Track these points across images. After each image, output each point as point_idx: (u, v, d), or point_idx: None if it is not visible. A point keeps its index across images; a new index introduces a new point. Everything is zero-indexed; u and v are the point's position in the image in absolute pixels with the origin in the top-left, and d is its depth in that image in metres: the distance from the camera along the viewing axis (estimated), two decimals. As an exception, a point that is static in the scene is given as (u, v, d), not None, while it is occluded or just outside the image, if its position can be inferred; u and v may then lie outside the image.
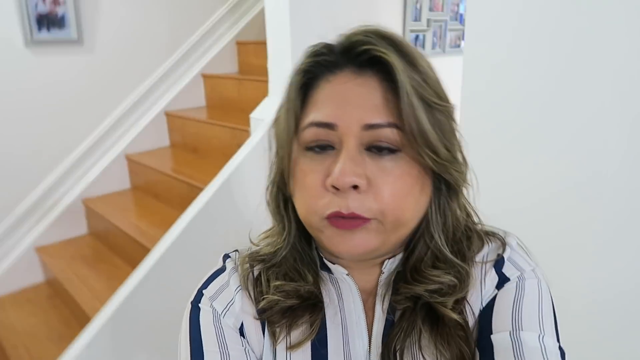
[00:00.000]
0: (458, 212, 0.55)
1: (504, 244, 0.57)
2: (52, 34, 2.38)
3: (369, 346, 0.55)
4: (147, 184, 2.61)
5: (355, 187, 0.46)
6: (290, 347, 0.54)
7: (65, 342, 1.71)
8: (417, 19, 2.67)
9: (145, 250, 1.98)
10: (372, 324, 0.56)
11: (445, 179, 0.51)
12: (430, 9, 2.74)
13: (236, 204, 1.86)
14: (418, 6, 2.64)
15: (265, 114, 2.07)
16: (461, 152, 0.53)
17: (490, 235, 0.59)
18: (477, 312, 0.54)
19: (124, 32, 2.59)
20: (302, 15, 1.95)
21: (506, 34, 1.25)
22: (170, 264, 1.75)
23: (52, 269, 2.29)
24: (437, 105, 0.48)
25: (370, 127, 0.47)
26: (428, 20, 2.76)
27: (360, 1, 2.23)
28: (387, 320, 0.55)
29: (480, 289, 0.54)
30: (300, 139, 0.50)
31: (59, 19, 2.38)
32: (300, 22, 1.96)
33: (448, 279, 0.52)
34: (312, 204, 0.49)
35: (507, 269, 0.55)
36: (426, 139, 0.46)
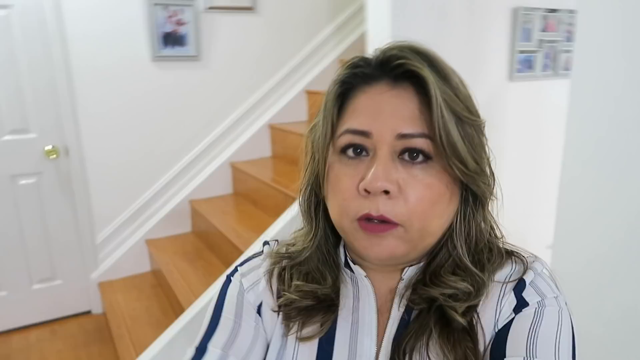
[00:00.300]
0: (482, 224, 0.56)
1: (528, 267, 0.56)
2: (174, 50, 2.66)
3: (379, 346, 0.57)
4: (247, 191, 2.78)
5: (386, 192, 0.49)
6: (300, 339, 0.58)
7: (162, 328, 1.89)
8: (527, 39, 2.56)
9: (239, 252, 2.13)
10: (387, 325, 0.57)
11: (472, 190, 0.53)
12: (543, 29, 2.62)
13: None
14: (529, 26, 2.54)
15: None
16: (489, 166, 0.54)
17: (516, 255, 0.58)
18: (487, 330, 0.53)
19: (236, 49, 2.81)
20: (403, 37, 1.96)
21: (616, 57, 1.17)
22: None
23: (157, 261, 2.54)
24: (468, 119, 0.50)
25: (403, 136, 0.49)
26: (540, 41, 2.63)
27: (464, 21, 2.20)
28: (402, 320, 0.56)
29: (496, 309, 0.53)
30: (336, 144, 0.53)
31: (181, 38, 2.66)
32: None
33: (464, 285, 0.53)
34: (344, 206, 0.51)
35: (527, 294, 0.53)
36: (455, 150, 0.49)
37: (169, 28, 2.62)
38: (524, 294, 0.53)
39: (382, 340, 0.56)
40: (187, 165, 2.80)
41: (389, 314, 0.57)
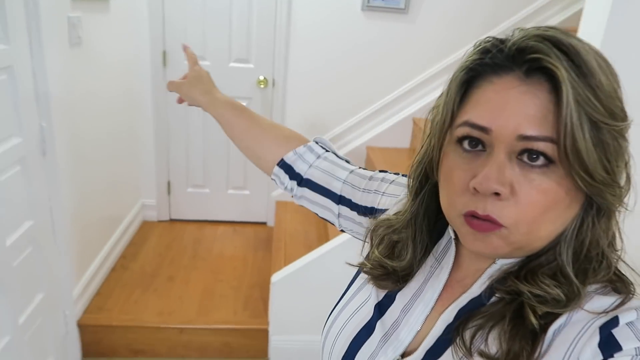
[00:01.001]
0: (602, 235, 0.50)
1: (630, 304, 0.47)
2: (384, 1, 2.74)
3: (440, 312, 0.57)
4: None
5: (497, 194, 0.47)
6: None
7: (311, 250, 2.12)
8: None
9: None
10: (459, 297, 0.57)
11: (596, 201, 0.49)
12: None
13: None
14: None
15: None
16: (627, 173, 0.48)
17: (620, 282, 0.49)
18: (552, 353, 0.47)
19: (445, 6, 2.75)
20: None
21: None
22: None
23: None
24: (606, 124, 0.44)
25: (525, 138, 0.46)
26: None
27: None
28: (477, 298, 0.55)
29: (570, 346, 0.46)
30: (454, 133, 0.51)
31: (392, -11, 2.72)
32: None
33: (556, 292, 0.48)
34: (454, 199, 0.51)
35: (621, 335, 0.44)
36: (581, 159, 0.44)
37: (383, -21, 2.71)
38: (615, 334, 0.44)
39: (447, 307, 0.56)
40: (373, 113, 2.93)
41: (466, 288, 0.56)
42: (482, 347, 0.50)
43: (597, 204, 0.48)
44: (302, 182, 0.80)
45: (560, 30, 0.46)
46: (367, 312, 0.62)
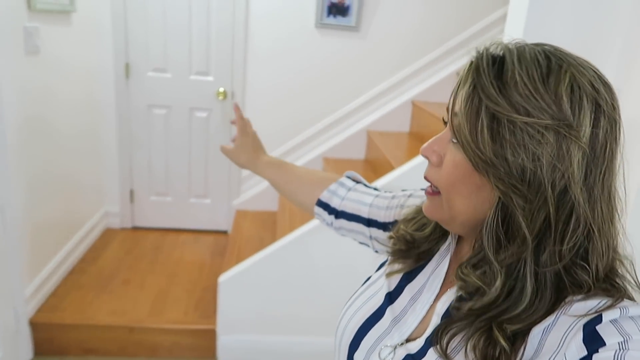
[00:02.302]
0: (524, 225, 0.49)
1: (617, 305, 0.47)
2: (337, 19, 2.91)
3: (434, 303, 0.61)
4: (374, 159, 2.94)
5: (429, 160, 0.57)
6: (386, 274, 0.70)
7: None
8: None
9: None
10: (440, 300, 0.60)
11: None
12: None
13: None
14: None
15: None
16: (541, 176, 0.48)
17: (613, 289, 0.50)
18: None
19: (394, 24, 2.92)
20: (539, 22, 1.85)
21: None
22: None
23: (280, 203, 2.89)
24: (505, 115, 0.47)
25: (451, 114, 0.53)
26: None
27: (619, 47, 1.93)
28: (457, 299, 0.57)
29: (558, 346, 0.46)
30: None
31: (344, 9, 2.88)
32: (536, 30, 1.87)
33: (472, 280, 0.52)
34: None
35: (604, 331, 0.45)
36: (464, 135, 0.50)
37: (336, -1, 2.88)
38: (599, 330, 0.45)
39: (438, 299, 0.60)
40: (328, 126, 3.07)
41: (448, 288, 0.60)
42: (458, 355, 0.52)
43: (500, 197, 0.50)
44: (338, 214, 0.88)
45: (528, 45, 0.50)
46: (379, 300, 0.67)
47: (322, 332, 2.24)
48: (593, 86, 0.47)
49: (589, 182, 0.47)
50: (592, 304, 0.47)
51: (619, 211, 0.51)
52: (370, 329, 0.64)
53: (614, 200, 0.49)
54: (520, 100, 0.47)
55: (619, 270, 0.52)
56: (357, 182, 0.92)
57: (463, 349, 0.52)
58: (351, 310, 0.70)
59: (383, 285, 0.69)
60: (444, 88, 3.03)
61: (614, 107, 0.48)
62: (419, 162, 2.00)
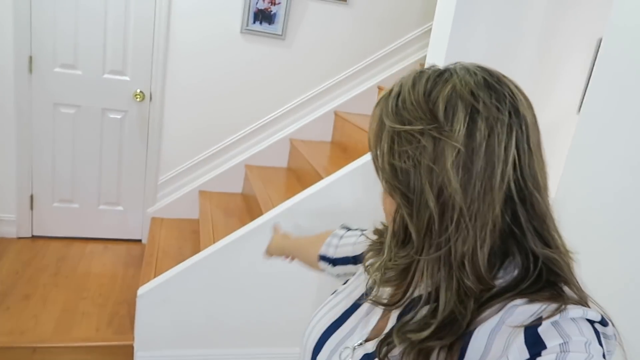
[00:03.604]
0: (410, 225, 0.54)
1: (560, 309, 0.48)
2: (262, 26, 2.88)
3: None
4: (297, 168, 2.94)
5: None
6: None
7: None
8: (609, 74, 2.39)
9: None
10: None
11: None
12: (632, 67, 2.42)
13: (335, 202, 2.01)
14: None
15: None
16: (420, 178, 0.52)
17: (557, 292, 0.51)
18: None
19: (320, 36, 2.96)
20: (460, 50, 1.97)
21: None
22: (264, 232, 2.01)
23: (201, 210, 2.79)
24: (388, 125, 0.55)
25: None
26: (628, 79, 2.44)
27: (533, 47, 2.13)
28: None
29: (501, 353, 0.48)
30: None
31: (271, 16, 2.87)
32: (456, 55, 1.99)
33: (374, 276, 0.62)
34: None
35: (545, 332, 0.46)
36: (370, 149, 0.58)
37: (262, 5, 2.85)
38: (540, 331, 0.46)
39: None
40: (251, 133, 3.02)
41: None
42: None
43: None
44: (335, 262, 0.95)
45: (432, 68, 0.56)
46: (344, 307, 0.70)
47: (249, 343, 2.18)
48: (472, 92, 0.51)
49: (465, 179, 0.50)
50: (534, 308, 0.49)
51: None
52: (333, 332, 0.67)
53: (495, 193, 0.50)
54: (405, 114, 0.53)
55: (562, 271, 0.53)
56: (348, 229, 0.99)
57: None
58: (317, 316, 0.72)
59: (350, 293, 0.73)
60: (366, 99, 3.12)
61: (498, 109, 0.50)
62: (350, 170, 2.04)
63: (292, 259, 1.20)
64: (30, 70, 2.64)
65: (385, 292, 0.62)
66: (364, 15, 3.00)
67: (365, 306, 0.67)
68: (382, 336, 0.59)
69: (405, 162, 0.52)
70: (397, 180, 0.53)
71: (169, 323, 2.09)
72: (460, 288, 0.52)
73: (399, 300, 0.58)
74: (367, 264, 0.69)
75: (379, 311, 0.64)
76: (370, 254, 0.72)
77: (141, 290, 2.04)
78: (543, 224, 0.53)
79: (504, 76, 0.55)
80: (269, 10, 2.87)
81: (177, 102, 2.87)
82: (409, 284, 0.56)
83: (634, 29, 1.08)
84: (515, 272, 0.53)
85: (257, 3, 2.83)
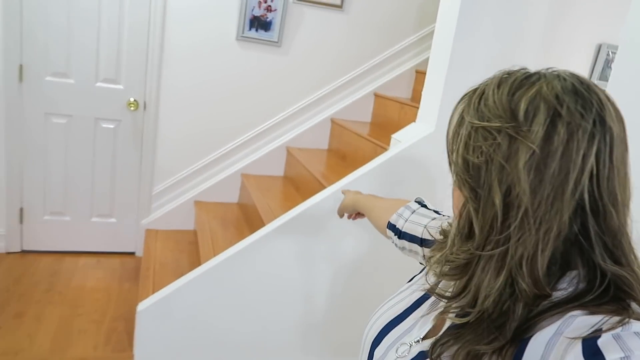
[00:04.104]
0: (474, 220, 0.54)
1: (624, 322, 0.46)
2: (258, 33, 2.84)
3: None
4: (295, 176, 2.90)
5: None
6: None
7: None
8: (607, 78, 2.40)
9: (263, 226, 2.24)
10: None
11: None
12: (630, 72, 2.43)
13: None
14: (611, 65, 2.37)
15: (405, 137, 2.14)
16: (489, 176, 0.52)
17: (619, 309, 0.48)
18: None
19: (316, 42, 2.93)
20: (463, 54, 1.96)
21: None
22: (269, 243, 1.96)
23: (198, 221, 2.73)
24: (468, 121, 0.55)
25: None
26: (625, 84, 2.45)
27: (534, 52, 2.13)
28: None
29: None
30: None
31: (267, 23, 2.83)
32: (459, 61, 1.98)
33: (434, 269, 0.62)
34: None
35: (605, 345, 0.44)
36: (447, 141, 0.60)
37: (258, 12, 2.81)
38: (599, 344, 0.44)
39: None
40: (247, 141, 2.98)
41: None
42: None
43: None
44: (401, 235, 0.97)
45: (522, 73, 0.55)
46: (406, 304, 0.71)
47: (255, 356, 2.13)
48: (557, 96, 0.50)
49: (536, 181, 0.49)
50: (594, 320, 0.47)
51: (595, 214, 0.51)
52: (393, 328, 0.69)
53: (566, 200, 0.49)
54: (486, 111, 0.53)
55: (632, 290, 0.50)
56: (423, 205, 1.01)
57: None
58: (379, 313, 0.74)
59: (413, 292, 0.74)
60: (362, 106, 3.10)
61: (582, 116, 0.49)
62: (352, 180, 2.00)
63: (355, 217, 1.28)
64: (21, 79, 2.56)
65: (450, 285, 0.61)
66: (360, 21, 2.98)
67: (426, 305, 0.68)
68: (437, 336, 0.59)
69: (478, 157, 0.52)
70: (468, 175, 0.53)
71: (170, 340, 2.03)
72: (509, 288, 0.51)
73: (460, 294, 0.56)
74: (429, 255, 0.69)
75: (439, 308, 0.63)
76: (433, 252, 0.72)
77: (141, 306, 1.97)
78: (614, 240, 0.50)
79: (595, 85, 0.52)
80: (264, 17, 2.83)
81: (172, 111, 2.81)
82: (469, 279, 0.55)
83: None
84: (580, 286, 0.51)
85: (252, 10, 2.79)
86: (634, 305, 0.49)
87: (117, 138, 2.80)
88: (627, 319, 0.45)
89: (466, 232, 0.55)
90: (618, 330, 0.44)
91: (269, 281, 2.02)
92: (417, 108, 2.59)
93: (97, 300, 2.46)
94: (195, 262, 2.53)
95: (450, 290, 0.60)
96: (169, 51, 2.72)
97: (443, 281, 0.64)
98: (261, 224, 2.37)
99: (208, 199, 2.98)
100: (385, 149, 2.36)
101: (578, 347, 0.45)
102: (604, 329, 0.45)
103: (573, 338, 0.46)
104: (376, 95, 3.10)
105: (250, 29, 2.83)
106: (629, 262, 0.51)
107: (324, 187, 2.40)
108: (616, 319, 0.46)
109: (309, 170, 2.63)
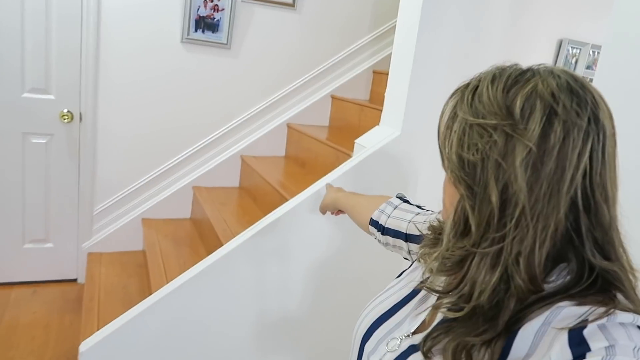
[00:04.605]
0: (470, 217, 0.54)
1: (608, 312, 0.47)
2: (205, 35, 2.63)
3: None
4: (251, 186, 2.71)
5: None
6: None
7: (133, 305, 1.81)
8: (568, 74, 2.37)
9: (220, 245, 2.04)
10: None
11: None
12: (588, 67, 2.42)
13: (301, 228, 1.80)
14: (573, 61, 2.34)
15: (369, 142, 2.00)
16: (483, 168, 0.52)
17: (605, 300, 0.49)
18: None
19: (269, 44, 2.76)
20: (427, 53, 1.86)
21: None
22: (230, 264, 1.76)
23: (146, 241, 2.49)
24: (462, 117, 0.55)
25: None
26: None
27: (502, 43, 2.04)
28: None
29: (544, 354, 0.47)
30: None
31: (214, 24, 2.63)
32: (424, 59, 1.87)
33: (430, 265, 0.61)
34: None
35: (590, 335, 0.45)
36: (440, 138, 0.58)
37: (204, 12, 2.60)
38: (585, 334, 0.45)
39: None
40: (198, 151, 2.76)
41: None
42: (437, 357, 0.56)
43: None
44: (384, 230, 0.97)
45: (516, 69, 0.54)
46: (396, 299, 0.71)
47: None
48: (552, 94, 0.50)
49: (533, 179, 0.49)
50: (581, 310, 0.48)
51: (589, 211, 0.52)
52: (383, 323, 0.69)
53: (562, 197, 0.49)
54: (481, 107, 0.53)
55: (620, 284, 0.51)
56: (405, 200, 1.02)
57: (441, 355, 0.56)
58: (369, 308, 0.74)
59: (403, 287, 0.74)
60: (319, 110, 2.95)
61: (578, 114, 0.49)
62: (317, 189, 1.84)
63: (338, 214, 1.27)
64: None
65: (441, 280, 0.62)
66: (314, 21, 2.83)
67: (415, 300, 0.68)
68: (429, 330, 0.59)
69: (473, 154, 0.52)
70: (464, 172, 0.53)
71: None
72: (505, 284, 0.51)
73: (454, 289, 0.56)
74: (421, 252, 0.71)
75: (429, 305, 0.64)
76: (424, 249, 0.72)
77: (83, 346, 1.72)
78: (605, 235, 0.51)
79: (588, 83, 0.53)
80: (211, 17, 2.63)
81: (112, 122, 2.55)
82: (465, 276, 0.54)
83: (635, 36, 1.06)
84: (568, 278, 0.52)
85: (198, 10, 2.58)
86: (619, 296, 0.50)
87: (50, 154, 2.51)
88: (612, 310, 0.47)
89: (461, 228, 0.55)
90: (603, 320, 0.46)
91: (232, 310, 1.82)
92: (378, 110, 2.47)
93: (33, 338, 2.17)
94: (146, 288, 2.29)
95: (441, 284, 0.60)
96: (105, 57, 2.46)
97: (434, 276, 0.63)
98: (217, 241, 2.16)
99: (157, 216, 2.73)
100: (348, 155, 2.22)
101: (564, 337, 0.46)
102: (590, 319, 0.46)
103: (560, 328, 0.47)
104: (333, 98, 2.96)
105: (196, 30, 2.61)
106: (618, 257, 0.52)
107: (283, 197, 2.22)
108: (602, 309, 0.47)
109: (266, 179, 2.45)
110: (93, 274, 2.42)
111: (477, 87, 0.54)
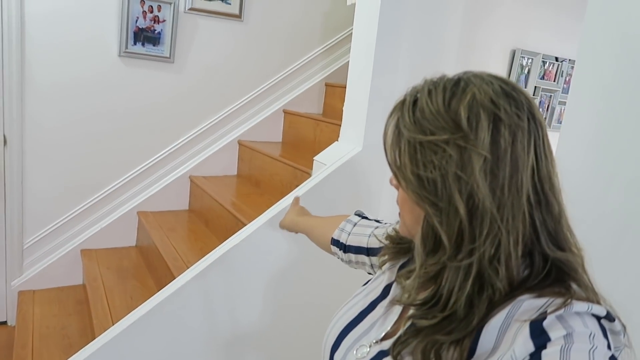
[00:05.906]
0: (441, 232, 0.54)
1: (566, 303, 0.49)
2: (146, 48, 2.45)
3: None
4: (202, 209, 2.53)
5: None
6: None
7: (73, 353, 1.58)
8: (522, 83, 2.38)
9: (171, 277, 1.85)
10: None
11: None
12: (541, 77, 2.44)
13: (264, 255, 1.66)
14: (526, 71, 2.35)
15: (329, 159, 1.89)
16: (448, 186, 0.52)
17: (562, 291, 0.52)
18: None
19: (215, 57, 2.61)
20: (386, 65, 1.78)
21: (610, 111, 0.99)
22: (185, 298, 1.59)
23: (86, 274, 2.25)
24: (406, 134, 0.55)
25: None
26: (535, 88, 2.46)
27: (453, 58, 2.00)
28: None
29: (509, 347, 0.49)
30: None
31: (155, 36, 2.45)
32: (383, 71, 1.79)
33: (403, 283, 0.63)
34: None
35: (550, 325, 0.47)
36: (390, 160, 0.58)
37: (143, 24, 2.42)
38: (545, 325, 0.48)
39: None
40: (141, 173, 2.55)
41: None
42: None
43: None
44: (346, 248, 0.97)
45: (447, 77, 0.56)
46: (362, 306, 0.71)
47: None
48: (492, 100, 0.52)
49: (494, 184, 0.51)
50: (540, 302, 0.51)
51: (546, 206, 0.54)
52: (351, 331, 0.68)
53: (523, 197, 0.51)
54: (426, 124, 0.54)
55: (574, 272, 0.54)
56: (363, 217, 1.02)
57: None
58: (337, 316, 0.73)
59: (368, 293, 0.73)
60: (271, 125, 2.83)
61: (519, 116, 0.52)
62: (278, 211, 1.70)
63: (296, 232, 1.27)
64: None
65: (411, 288, 0.61)
66: (262, 33, 2.71)
67: (382, 306, 0.68)
68: (397, 335, 0.59)
69: (431, 171, 0.53)
70: (425, 190, 0.54)
71: None
72: (479, 290, 0.52)
73: (430, 301, 0.56)
74: (381, 262, 0.75)
75: (396, 311, 0.65)
76: (385, 257, 0.74)
77: (15, 405, 1.49)
78: (558, 225, 0.54)
79: (515, 83, 0.55)
80: (151, 28, 2.45)
81: (42, 145, 2.30)
82: (439, 287, 0.55)
83: (605, 48, 1.04)
84: (525, 273, 0.54)
85: (137, 21, 2.40)
86: (574, 285, 0.53)
87: (-29, 182, 2.23)
88: (569, 300, 0.49)
89: (431, 245, 0.56)
90: (561, 311, 0.48)
91: (187, 351, 1.64)
92: (334, 124, 2.37)
93: (-47, 396, 1.88)
94: (88, 328, 2.06)
95: (415, 297, 0.59)
96: (31, 73, 2.22)
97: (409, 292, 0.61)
98: (167, 271, 1.98)
99: (98, 246, 2.49)
100: (306, 172, 2.11)
101: (526, 329, 0.48)
102: (549, 311, 0.49)
103: (522, 321, 0.49)
104: (285, 112, 2.84)
105: (135, 43, 2.42)
106: (569, 244, 0.55)
107: (238, 220, 2.07)
108: (560, 300, 0.49)
109: (217, 201, 2.29)
110: (25, 314, 2.15)
111: (415, 102, 0.55)
